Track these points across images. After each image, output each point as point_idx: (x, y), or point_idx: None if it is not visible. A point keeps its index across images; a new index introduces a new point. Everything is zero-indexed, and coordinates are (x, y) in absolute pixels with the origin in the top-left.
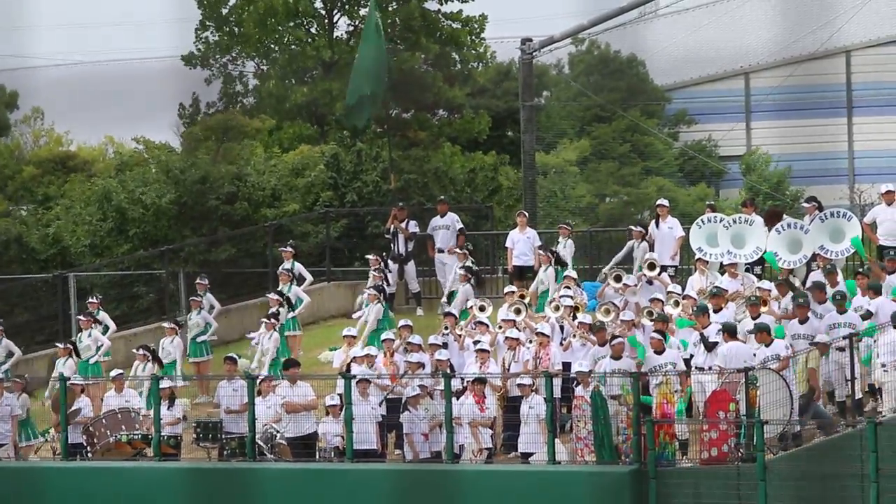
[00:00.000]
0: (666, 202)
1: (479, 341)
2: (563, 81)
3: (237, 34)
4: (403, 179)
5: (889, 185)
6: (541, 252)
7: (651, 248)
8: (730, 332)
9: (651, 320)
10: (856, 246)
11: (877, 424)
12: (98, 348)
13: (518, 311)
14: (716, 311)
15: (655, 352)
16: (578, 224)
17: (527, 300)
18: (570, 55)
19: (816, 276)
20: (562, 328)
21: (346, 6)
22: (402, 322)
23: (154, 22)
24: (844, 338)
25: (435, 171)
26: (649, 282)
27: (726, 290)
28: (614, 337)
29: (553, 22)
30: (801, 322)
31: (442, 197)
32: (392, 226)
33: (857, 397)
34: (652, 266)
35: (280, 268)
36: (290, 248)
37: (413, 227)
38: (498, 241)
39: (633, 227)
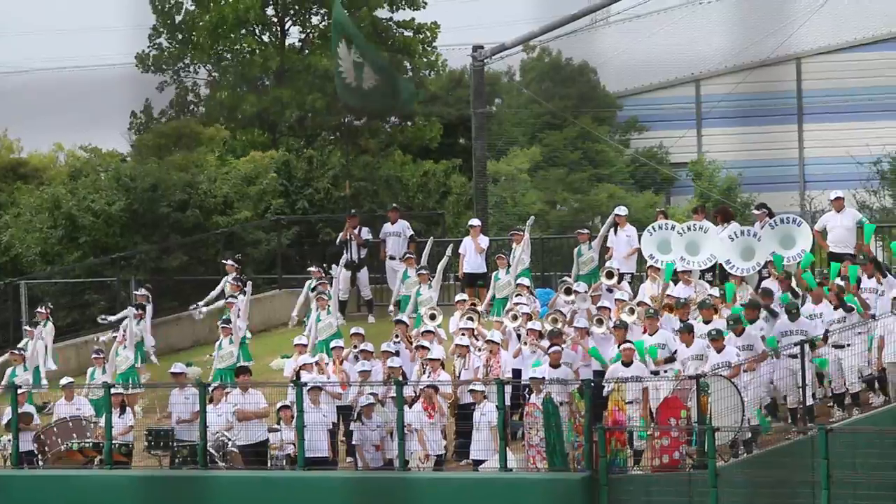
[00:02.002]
0: (624, 211)
1: (422, 347)
2: (515, 89)
3: (190, 42)
4: (355, 186)
5: (838, 192)
6: (500, 255)
7: (609, 256)
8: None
9: (612, 328)
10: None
11: (828, 431)
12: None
13: (470, 319)
14: (706, 322)
15: (624, 363)
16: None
17: (479, 307)
18: (521, 62)
19: (768, 283)
20: (518, 336)
21: (298, 15)
22: (353, 330)
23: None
24: (795, 344)
25: (387, 178)
26: (609, 290)
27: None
28: (552, 345)
29: (505, 29)
30: (738, 335)
31: (394, 204)
32: (346, 233)
33: (808, 404)
34: (610, 275)
35: (228, 278)
36: (233, 262)
37: (365, 234)
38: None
39: (580, 231)
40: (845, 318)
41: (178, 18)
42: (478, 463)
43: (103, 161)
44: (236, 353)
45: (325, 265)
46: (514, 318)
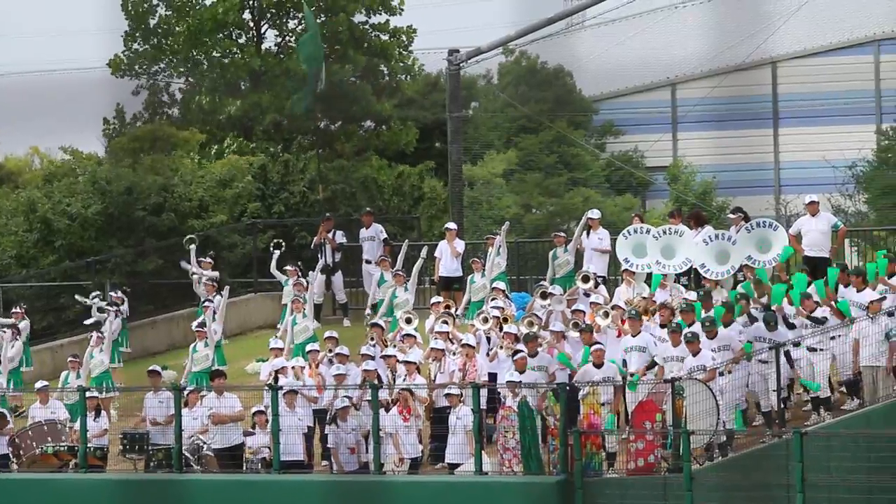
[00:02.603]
0: (597, 214)
1: (387, 356)
2: (491, 92)
3: (165, 47)
4: (331, 190)
5: (813, 196)
6: (475, 259)
7: (582, 260)
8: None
9: (577, 331)
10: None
11: (802, 434)
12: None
13: (445, 323)
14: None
15: (595, 365)
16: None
17: (454, 310)
18: (498, 66)
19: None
20: (488, 339)
21: (275, 18)
22: (327, 333)
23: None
24: (771, 348)
25: (363, 181)
26: (586, 294)
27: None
28: (516, 352)
29: (481, 33)
30: (710, 337)
31: (367, 208)
32: (321, 236)
33: (782, 408)
34: (586, 279)
35: (203, 279)
36: (209, 260)
37: (340, 237)
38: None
39: (556, 234)
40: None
41: (153, 22)
42: (453, 466)
43: (81, 163)
44: (211, 356)
45: (300, 264)
46: (485, 320)
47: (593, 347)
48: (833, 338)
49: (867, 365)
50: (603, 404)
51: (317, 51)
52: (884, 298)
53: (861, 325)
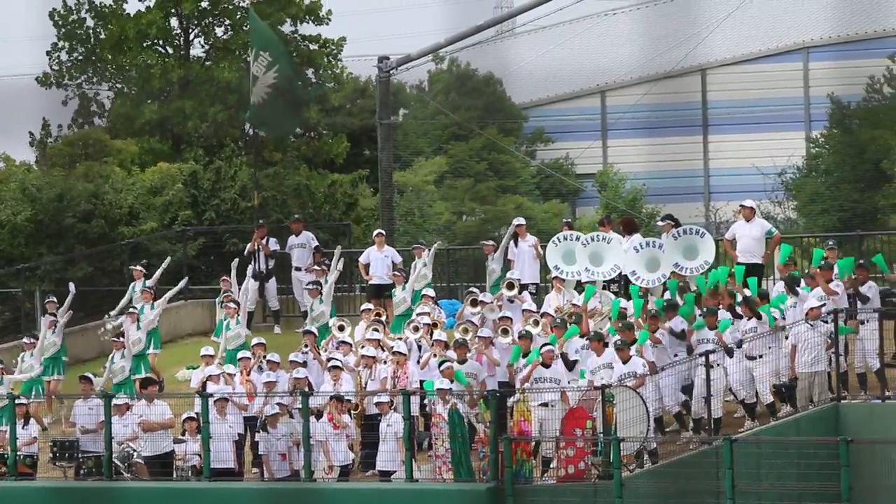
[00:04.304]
0: (523, 221)
1: (332, 358)
2: (421, 99)
3: (93, 56)
4: (263, 197)
5: (749, 202)
6: (397, 273)
7: (511, 267)
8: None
9: (516, 339)
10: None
11: (732, 441)
12: None
13: (376, 330)
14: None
15: (544, 364)
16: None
17: (384, 318)
18: (428, 73)
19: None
20: (419, 347)
21: (201, 26)
22: (255, 340)
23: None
24: (700, 355)
25: (295, 187)
26: (510, 300)
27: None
28: (443, 361)
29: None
30: (622, 359)
31: (297, 216)
32: (254, 243)
33: (716, 416)
34: (511, 286)
35: (139, 285)
36: (140, 268)
37: (273, 244)
38: (354, 258)
39: (484, 242)
40: (756, 329)
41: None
42: (384, 474)
43: (11, 171)
44: (128, 367)
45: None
46: (416, 329)
47: (544, 348)
48: (770, 347)
49: (805, 371)
50: (544, 404)
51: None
52: (823, 305)
53: (798, 331)
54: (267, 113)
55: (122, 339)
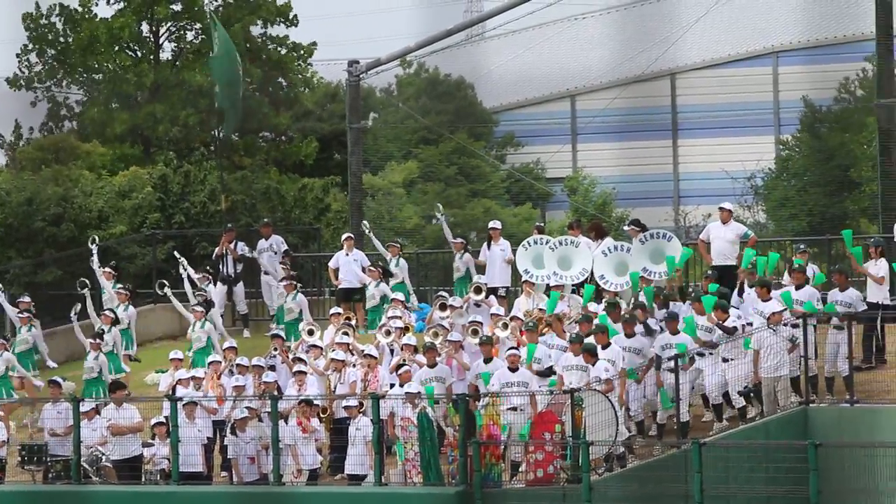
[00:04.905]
0: (498, 224)
1: (298, 359)
2: (391, 104)
3: (63, 60)
4: (232, 200)
5: (728, 205)
6: (371, 268)
7: (482, 271)
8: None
9: (479, 344)
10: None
11: (701, 445)
12: None
13: (346, 334)
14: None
15: (510, 369)
16: (406, 246)
17: (353, 321)
18: (397, 77)
19: (642, 296)
20: (392, 351)
21: (172, 30)
22: (226, 344)
23: None
24: (670, 358)
25: (265, 192)
26: (476, 304)
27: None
28: (400, 366)
29: (381, 44)
30: (628, 336)
31: (265, 220)
32: (222, 247)
33: (684, 420)
34: (478, 290)
35: (109, 287)
36: (109, 269)
37: (242, 248)
38: (323, 262)
39: (454, 241)
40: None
41: (50, 36)
42: (353, 477)
43: None
44: (98, 368)
45: (209, 270)
46: (388, 333)
47: (508, 352)
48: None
49: (768, 376)
50: (515, 408)
51: (231, 72)
52: (785, 310)
53: (762, 336)
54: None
55: (98, 340)
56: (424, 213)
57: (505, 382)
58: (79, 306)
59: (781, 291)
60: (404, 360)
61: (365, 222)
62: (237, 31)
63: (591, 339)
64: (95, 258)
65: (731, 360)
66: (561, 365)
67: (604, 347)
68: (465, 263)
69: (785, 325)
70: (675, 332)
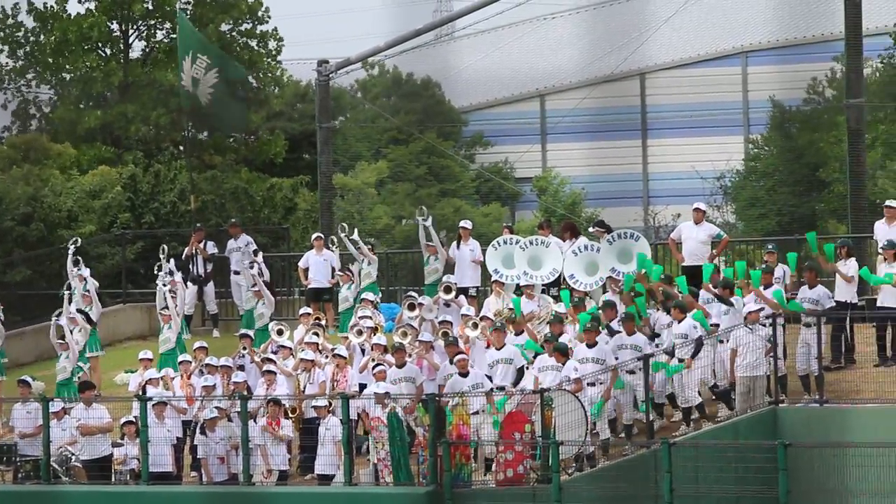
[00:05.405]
0: (469, 224)
1: (267, 360)
2: (360, 103)
3: (33, 59)
4: (202, 200)
5: (701, 205)
6: (340, 272)
7: (452, 270)
8: (561, 351)
9: (445, 345)
10: (641, 263)
11: (671, 445)
12: None
13: (316, 334)
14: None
15: (460, 374)
16: (375, 246)
17: (323, 322)
18: (367, 77)
19: (608, 296)
20: (363, 351)
21: (142, 29)
22: (197, 344)
23: None
24: (637, 359)
25: (234, 192)
26: (446, 304)
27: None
28: (377, 364)
29: (350, 44)
30: (589, 346)
31: (233, 220)
32: (192, 247)
33: (650, 419)
34: (448, 289)
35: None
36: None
37: (211, 248)
38: (293, 262)
39: (425, 243)
40: (696, 328)
41: (19, 35)
42: (323, 477)
43: None
44: (70, 368)
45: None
46: (359, 333)
47: (456, 357)
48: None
49: (745, 375)
50: (476, 412)
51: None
52: (762, 309)
53: (739, 334)
54: (215, 112)
55: (65, 341)
56: (395, 214)
57: (475, 384)
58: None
59: (774, 290)
60: (374, 360)
61: (343, 224)
62: (212, 30)
63: (564, 340)
64: (70, 260)
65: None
66: (537, 366)
67: (591, 346)
68: (441, 262)
69: (763, 325)
70: (630, 333)
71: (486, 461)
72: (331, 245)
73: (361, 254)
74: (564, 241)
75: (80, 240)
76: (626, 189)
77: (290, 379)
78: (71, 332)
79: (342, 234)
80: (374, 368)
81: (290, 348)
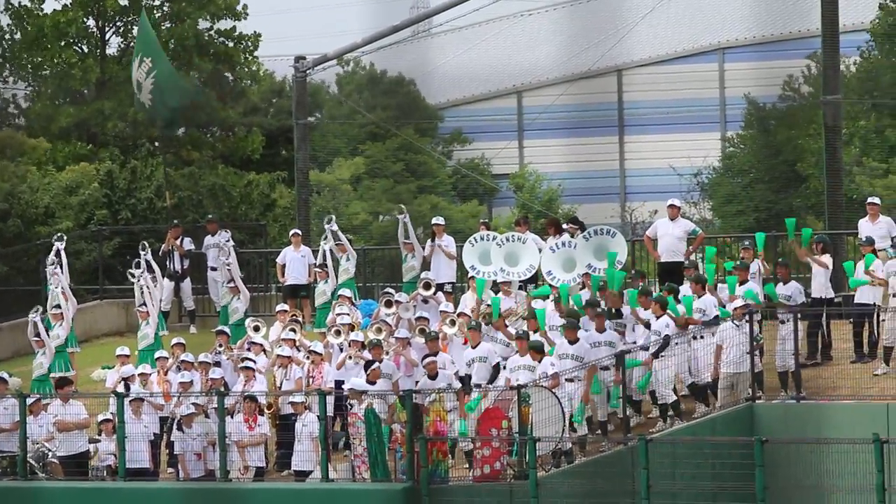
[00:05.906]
0: (441, 220)
1: (247, 358)
2: (337, 100)
3: (8, 55)
4: (178, 197)
5: (675, 201)
6: (318, 269)
7: (427, 267)
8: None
9: (425, 341)
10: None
11: (648, 441)
12: None
13: (293, 331)
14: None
15: (430, 377)
16: (352, 241)
17: (300, 318)
18: (343, 73)
19: (584, 294)
20: (341, 349)
21: (118, 25)
22: (174, 340)
23: None
24: (617, 356)
25: (211, 188)
26: (424, 301)
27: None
28: (369, 364)
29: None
30: (571, 343)
31: (210, 216)
32: (168, 243)
33: (626, 415)
34: (427, 286)
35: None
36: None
37: (188, 244)
38: (270, 258)
39: (405, 241)
40: (668, 327)
41: None
42: (300, 474)
43: None
44: (46, 364)
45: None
46: (338, 333)
47: (425, 360)
48: (677, 343)
49: (728, 371)
50: (449, 411)
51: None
52: (747, 305)
53: (724, 329)
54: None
55: (40, 339)
56: (372, 210)
57: (428, 389)
58: None
59: (745, 289)
60: (358, 357)
61: (331, 216)
62: (190, 26)
63: (537, 337)
64: (53, 256)
65: (662, 355)
66: (509, 367)
67: (572, 343)
68: (418, 259)
69: (748, 321)
70: (601, 330)
71: (466, 455)
72: (322, 238)
73: (342, 248)
74: (549, 237)
75: (65, 236)
76: (603, 186)
77: (265, 375)
78: (48, 330)
79: (326, 225)
80: (366, 367)
81: (262, 345)
